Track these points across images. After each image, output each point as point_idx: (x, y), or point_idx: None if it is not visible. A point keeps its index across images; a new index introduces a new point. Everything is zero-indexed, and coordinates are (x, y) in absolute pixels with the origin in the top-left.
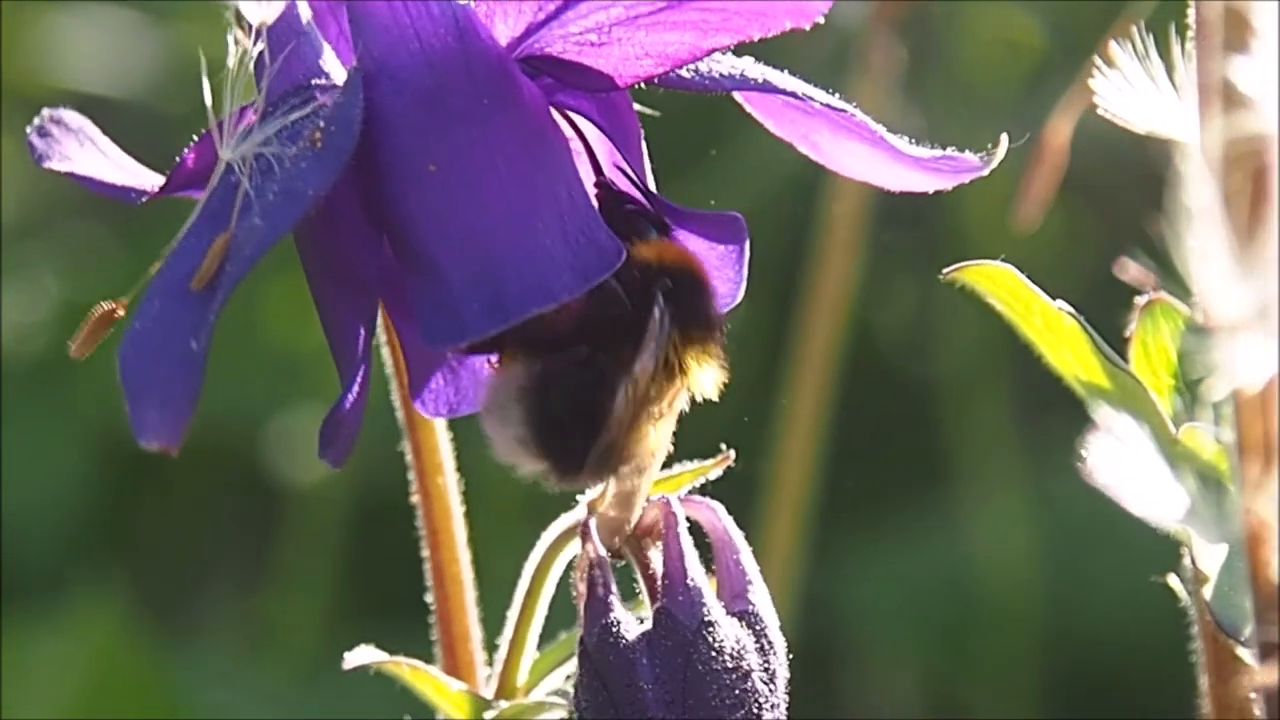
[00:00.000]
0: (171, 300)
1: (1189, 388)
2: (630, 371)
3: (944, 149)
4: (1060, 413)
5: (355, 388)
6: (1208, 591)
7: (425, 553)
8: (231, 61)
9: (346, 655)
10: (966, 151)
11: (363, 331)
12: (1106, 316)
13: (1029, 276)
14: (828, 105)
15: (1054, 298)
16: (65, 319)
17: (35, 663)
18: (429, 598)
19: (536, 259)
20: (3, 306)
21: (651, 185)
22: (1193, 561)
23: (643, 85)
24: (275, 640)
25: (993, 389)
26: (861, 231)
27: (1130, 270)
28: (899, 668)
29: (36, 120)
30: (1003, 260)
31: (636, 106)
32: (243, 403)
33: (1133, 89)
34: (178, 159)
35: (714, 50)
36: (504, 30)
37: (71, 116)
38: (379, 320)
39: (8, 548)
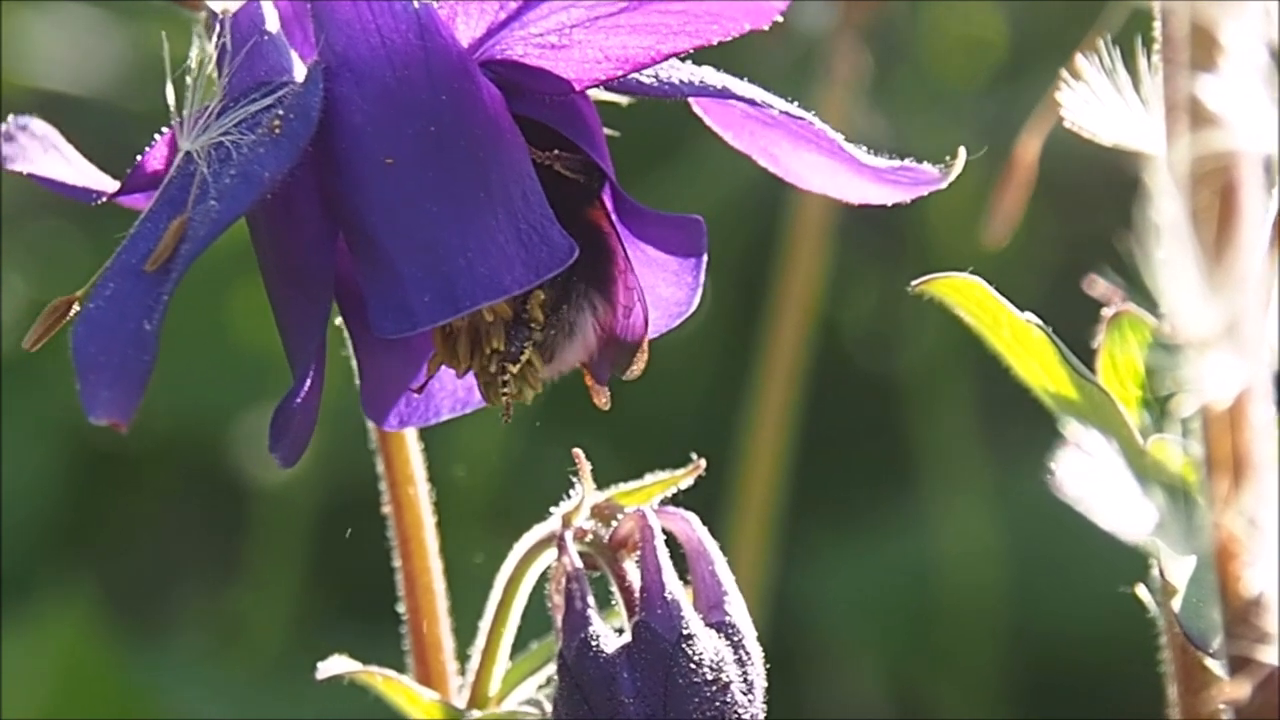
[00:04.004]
0: (125, 281)
1: (1158, 402)
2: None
3: (904, 157)
4: (1024, 411)
5: (306, 385)
6: (1176, 604)
7: (397, 562)
8: (194, 58)
9: (320, 665)
10: (925, 162)
11: (315, 329)
12: (1067, 314)
13: (990, 272)
14: (786, 114)
15: (1015, 292)
16: (32, 318)
17: (2, 662)
18: (400, 607)
19: (489, 252)
20: None
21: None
22: (1161, 573)
23: (601, 89)
24: (243, 639)
25: (958, 387)
26: (828, 232)
27: (1099, 287)
28: (866, 664)
29: (3, 126)
30: (969, 267)
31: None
32: (211, 402)
33: (1099, 102)
34: (136, 161)
35: (674, 54)
36: (465, 31)
37: (37, 124)
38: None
39: None
